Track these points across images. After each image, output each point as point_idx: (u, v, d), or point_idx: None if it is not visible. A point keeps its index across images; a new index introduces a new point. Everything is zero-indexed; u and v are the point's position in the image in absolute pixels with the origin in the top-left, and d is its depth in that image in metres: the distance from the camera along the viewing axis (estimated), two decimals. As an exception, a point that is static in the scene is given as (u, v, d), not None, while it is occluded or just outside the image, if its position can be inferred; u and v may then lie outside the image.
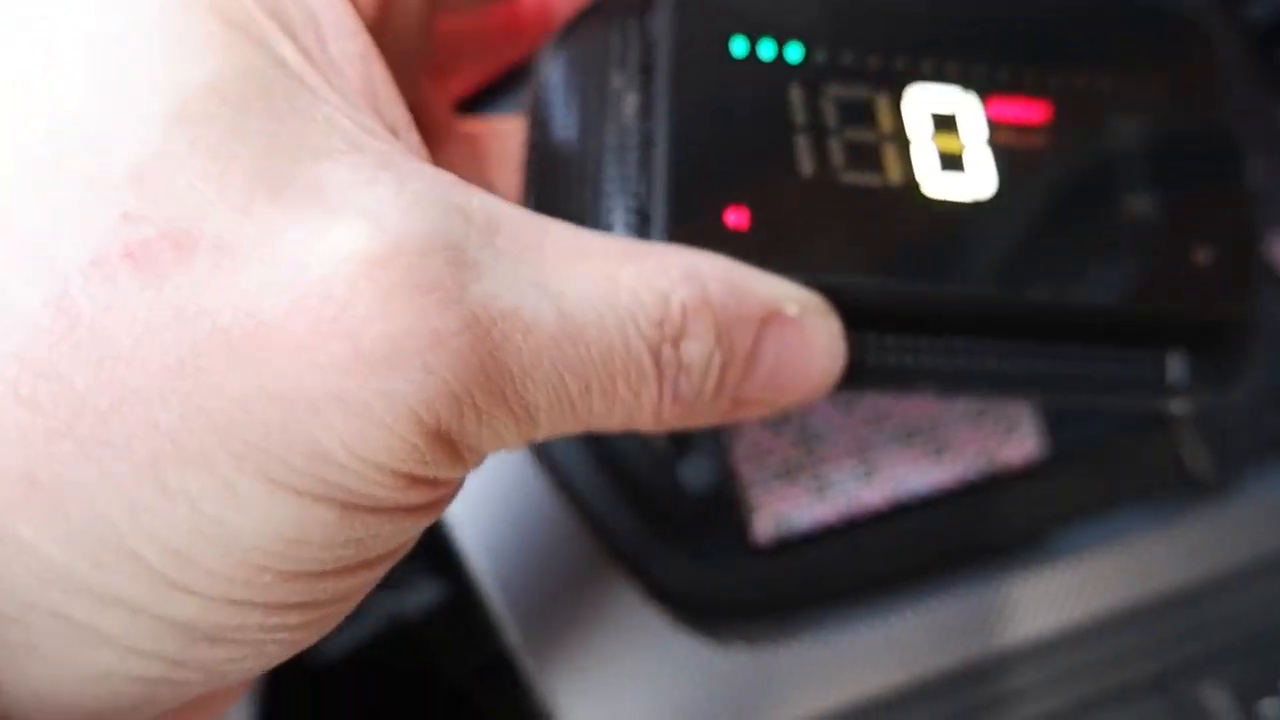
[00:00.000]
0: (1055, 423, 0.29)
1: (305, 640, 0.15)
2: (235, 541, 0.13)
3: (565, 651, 0.28)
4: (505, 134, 0.24)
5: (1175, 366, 0.22)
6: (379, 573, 0.16)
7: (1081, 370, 0.21)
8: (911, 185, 0.20)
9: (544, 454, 0.28)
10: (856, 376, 0.20)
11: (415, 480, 0.14)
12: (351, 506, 0.14)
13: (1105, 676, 0.29)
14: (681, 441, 0.28)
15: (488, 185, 0.24)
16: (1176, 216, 0.21)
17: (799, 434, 0.28)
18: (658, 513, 0.29)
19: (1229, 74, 0.22)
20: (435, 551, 0.29)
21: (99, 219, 0.13)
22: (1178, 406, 0.22)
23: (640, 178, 0.20)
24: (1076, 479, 0.29)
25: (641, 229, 0.19)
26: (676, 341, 0.17)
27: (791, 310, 0.18)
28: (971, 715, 0.29)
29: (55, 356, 0.13)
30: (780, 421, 0.28)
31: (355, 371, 0.13)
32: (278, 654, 0.15)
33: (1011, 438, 0.28)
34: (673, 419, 0.17)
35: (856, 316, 0.20)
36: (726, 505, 0.28)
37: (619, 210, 0.20)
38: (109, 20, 0.14)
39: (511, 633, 0.27)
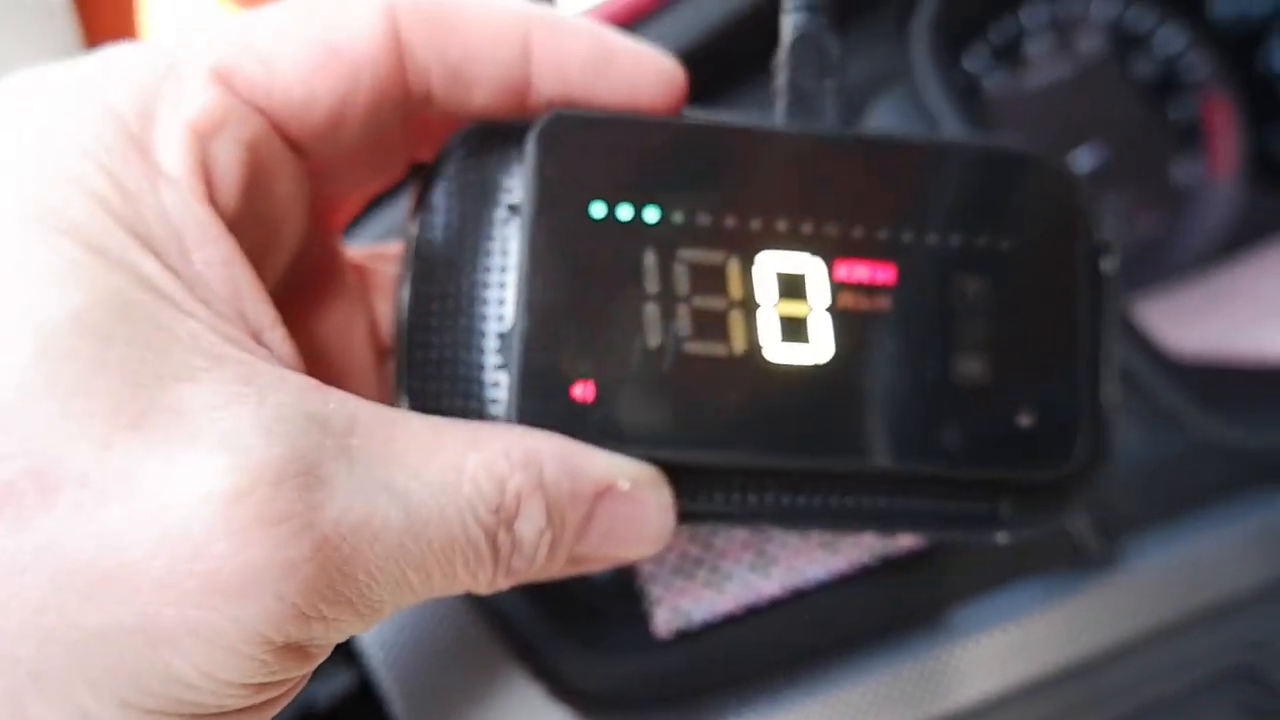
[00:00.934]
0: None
1: None
2: None
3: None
4: (390, 260, 0.25)
5: (1003, 509, 0.22)
6: None
7: (916, 511, 0.22)
8: (754, 352, 0.21)
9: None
10: (698, 519, 0.21)
11: (264, 687, 0.15)
12: (204, 717, 0.15)
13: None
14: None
15: (373, 316, 0.24)
16: (1005, 380, 0.21)
17: (696, 530, 0.28)
18: (559, 606, 0.29)
19: (1085, 214, 0.22)
20: (345, 642, 0.29)
21: None
22: (1003, 539, 0.23)
23: (505, 340, 0.21)
24: (967, 560, 0.30)
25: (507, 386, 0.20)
26: (510, 523, 0.18)
27: (623, 486, 0.20)
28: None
29: None
30: (677, 517, 0.28)
31: (210, 603, 0.14)
32: None
33: (904, 523, 0.29)
34: (508, 584, 0.19)
35: (696, 478, 0.21)
36: (627, 599, 0.28)
37: (492, 368, 0.21)
38: None
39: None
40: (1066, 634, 0.30)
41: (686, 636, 0.29)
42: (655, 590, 0.28)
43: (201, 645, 0.14)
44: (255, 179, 0.19)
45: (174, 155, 0.18)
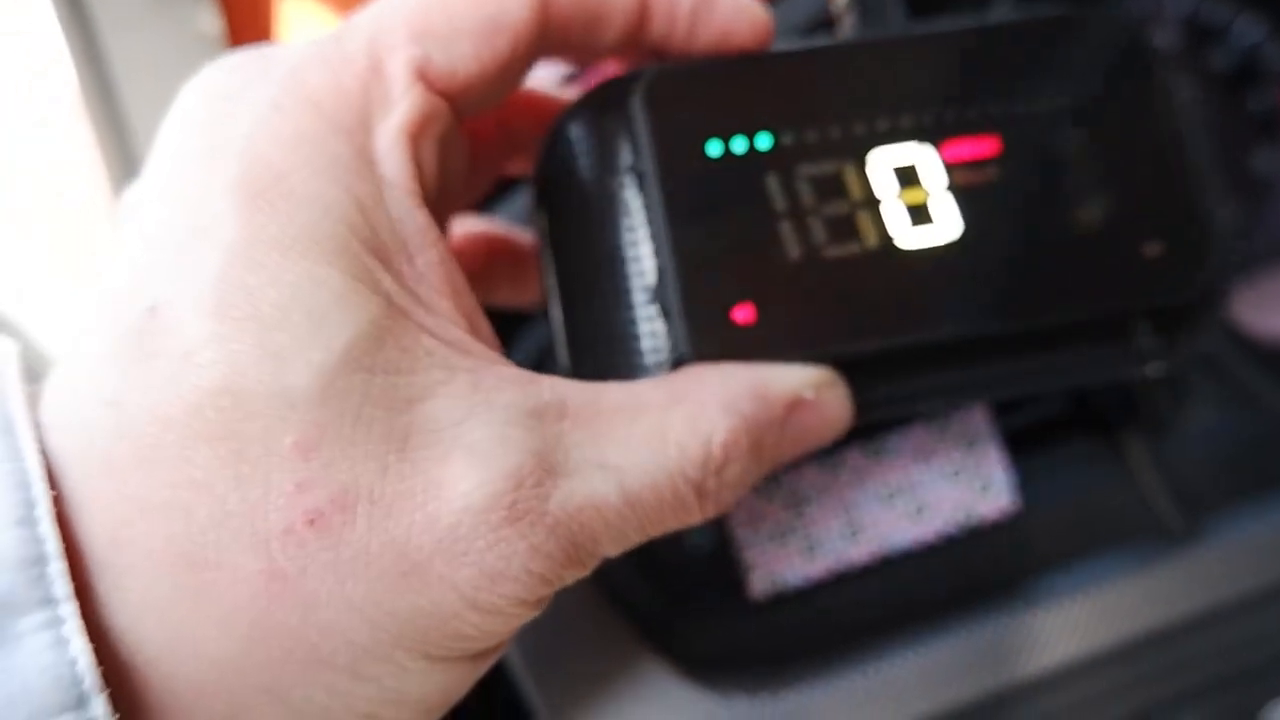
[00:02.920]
0: (1027, 479, 0.31)
1: None
2: (407, 698, 0.18)
3: (575, 702, 0.30)
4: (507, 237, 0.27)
5: (1144, 341, 0.24)
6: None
7: (1065, 362, 0.24)
8: (888, 243, 0.22)
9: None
10: (870, 409, 0.23)
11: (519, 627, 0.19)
12: (480, 655, 0.19)
13: (1088, 715, 0.31)
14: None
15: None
16: (1123, 217, 0.23)
17: (789, 499, 0.30)
18: (664, 575, 0.31)
19: (1162, 64, 0.23)
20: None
21: (278, 487, 0.17)
22: (1155, 370, 0.24)
23: (656, 287, 0.22)
24: (1049, 530, 0.31)
25: (669, 330, 0.22)
26: (718, 471, 0.20)
27: (809, 395, 0.21)
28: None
29: (274, 608, 0.17)
30: (771, 488, 0.30)
31: (481, 586, 0.18)
32: None
33: (986, 495, 0.30)
34: (717, 514, 0.21)
35: (860, 370, 0.22)
36: (726, 566, 0.30)
37: (646, 320, 0.22)
38: (260, 287, 0.17)
39: (527, 684, 0.30)
40: (1146, 603, 0.31)
41: (780, 600, 0.30)
42: (750, 556, 0.30)
43: (479, 615, 0.18)
44: (445, 165, 0.21)
45: (394, 162, 0.19)
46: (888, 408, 0.23)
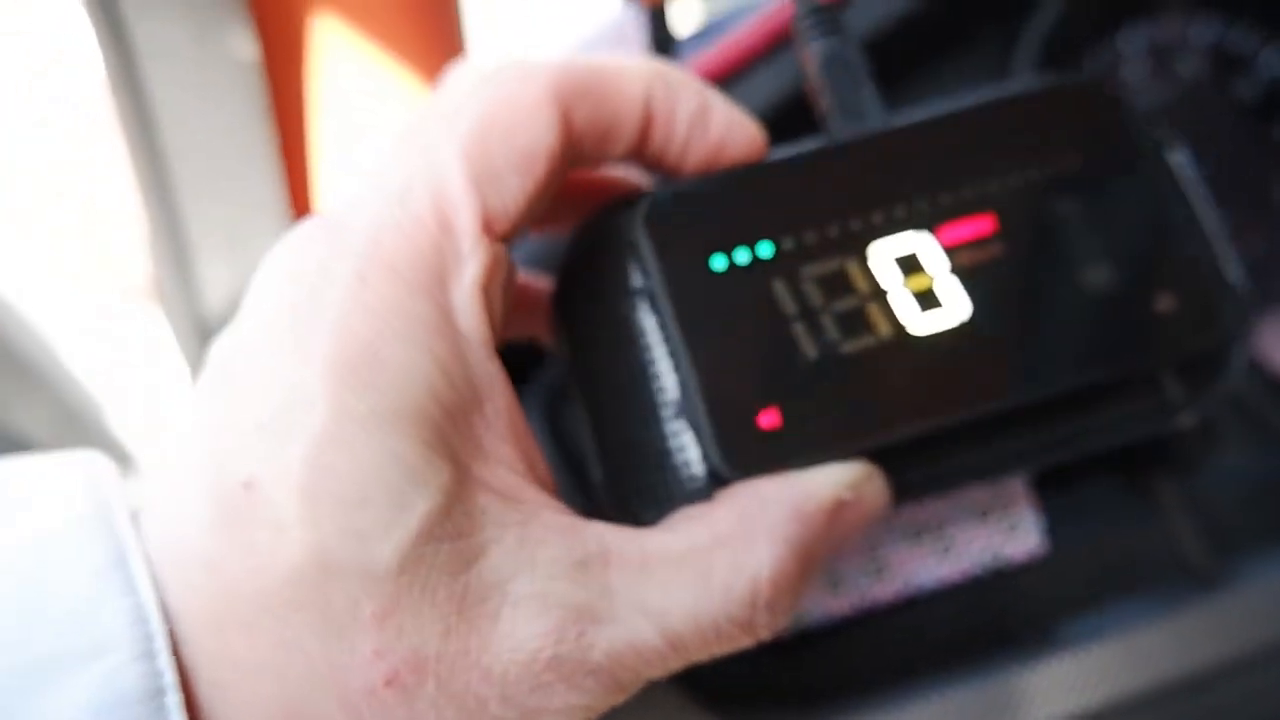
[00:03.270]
0: (1055, 520, 0.31)
1: None
2: None
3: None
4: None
5: (1173, 391, 0.24)
6: None
7: (1095, 425, 0.24)
8: (900, 332, 0.23)
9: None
10: (902, 497, 0.23)
11: None
12: None
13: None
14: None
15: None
16: (1131, 276, 0.23)
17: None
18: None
19: (1139, 121, 0.24)
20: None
21: (361, 652, 0.18)
22: (1186, 420, 0.25)
23: (680, 403, 0.22)
24: (1077, 572, 0.31)
25: (699, 444, 0.22)
26: (769, 606, 0.21)
27: (848, 496, 0.22)
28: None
29: None
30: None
31: (530, 718, 0.19)
32: None
33: (1014, 535, 0.30)
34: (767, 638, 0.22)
35: (894, 456, 0.22)
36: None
37: (674, 435, 0.23)
38: (346, 472, 0.18)
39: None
40: (1175, 648, 0.30)
41: (803, 637, 0.30)
42: (774, 592, 0.30)
43: None
44: (506, 300, 0.22)
45: (469, 317, 0.20)
46: (924, 488, 0.24)
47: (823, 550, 0.21)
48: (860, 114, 0.25)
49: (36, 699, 0.17)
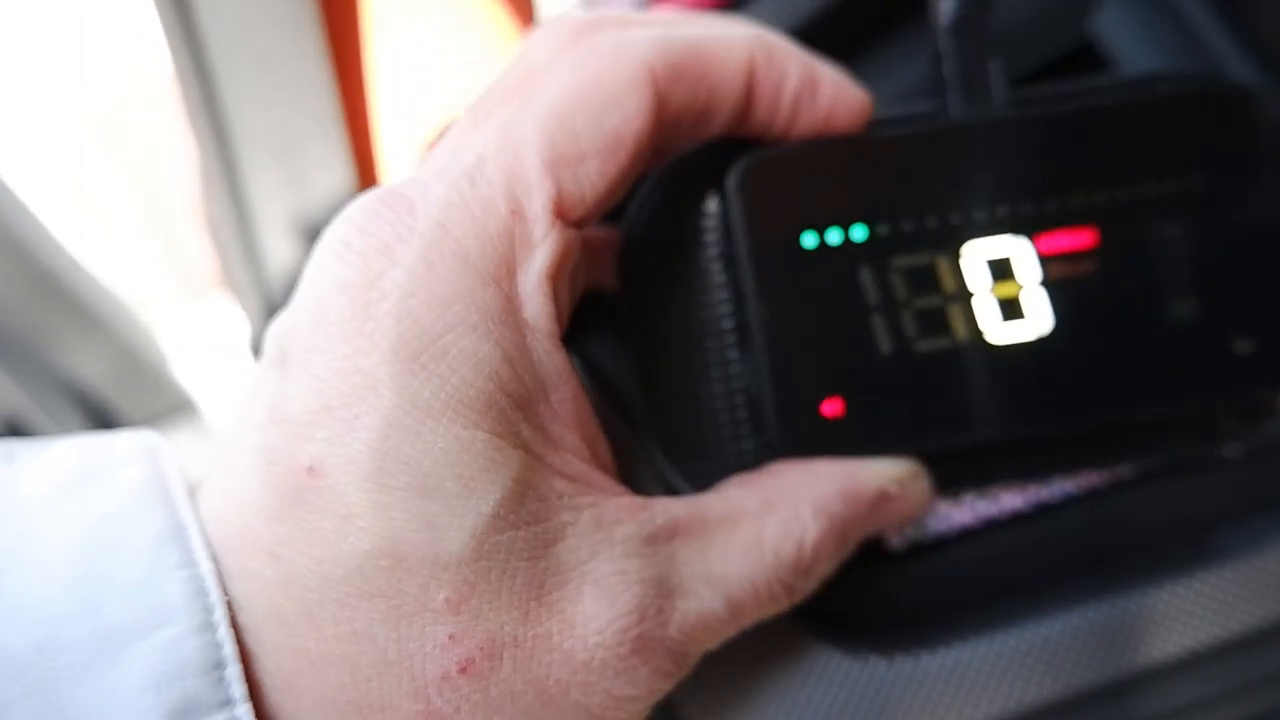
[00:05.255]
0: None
1: None
2: None
3: (700, 664, 0.27)
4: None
5: (1226, 425, 0.24)
6: None
7: (1142, 444, 0.24)
8: (977, 338, 0.22)
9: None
10: (944, 494, 0.23)
11: None
12: None
13: (1274, 691, 0.27)
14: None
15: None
16: (1217, 313, 0.22)
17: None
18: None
19: (1273, 137, 0.22)
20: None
21: (434, 639, 0.18)
22: (1232, 452, 0.25)
23: (746, 374, 0.22)
24: (1238, 477, 0.27)
25: (755, 419, 0.22)
26: (808, 571, 0.21)
27: (894, 490, 0.22)
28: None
29: None
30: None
31: (610, 706, 0.19)
32: None
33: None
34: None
35: (944, 461, 0.23)
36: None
37: (733, 408, 0.23)
38: (414, 457, 0.18)
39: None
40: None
41: (920, 552, 0.27)
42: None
43: None
44: (574, 288, 0.21)
45: (536, 306, 0.19)
46: (967, 487, 0.24)
47: (859, 533, 0.22)
48: (981, 89, 0.23)
49: (101, 670, 0.17)
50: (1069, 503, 0.27)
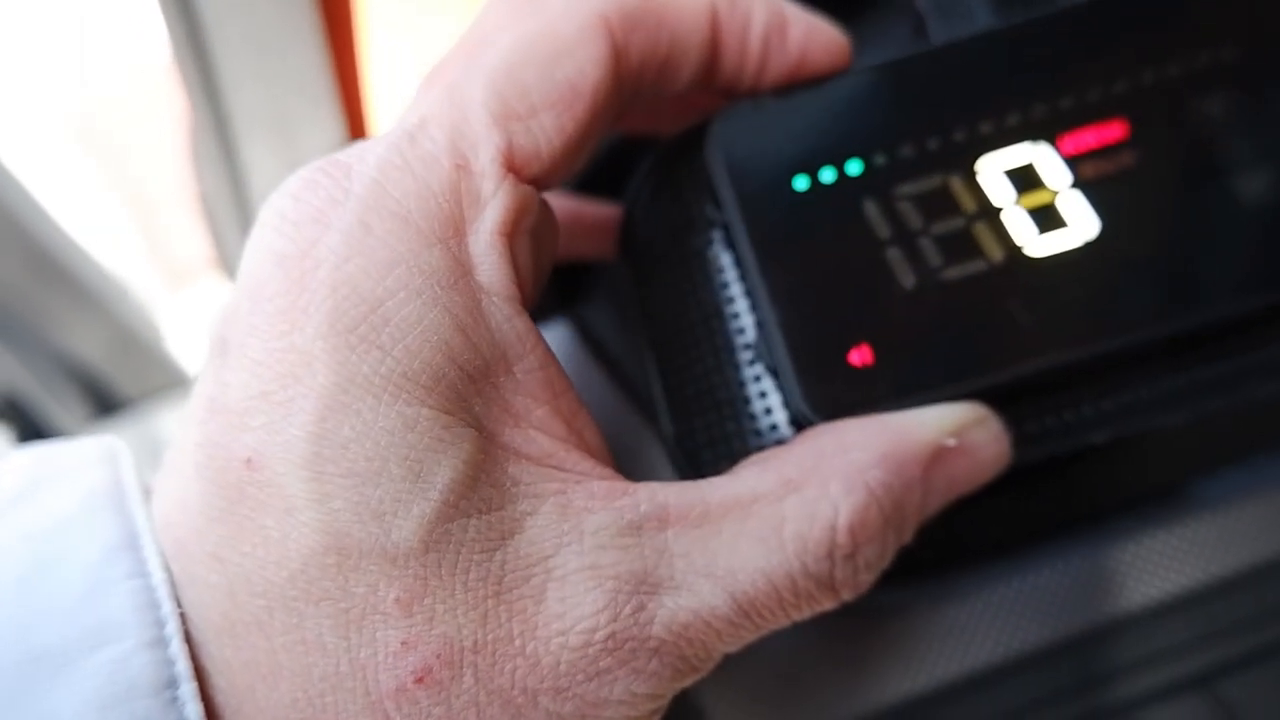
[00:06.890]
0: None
1: None
2: None
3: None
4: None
5: None
6: None
7: (1248, 366, 0.21)
8: (1015, 255, 0.20)
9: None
10: (1026, 451, 0.20)
11: None
12: None
13: (1252, 633, 0.28)
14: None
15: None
16: None
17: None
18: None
19: None
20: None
21: (385, 646, 0.16)
22: None
23: (759, 343, 0.20)
24: (1217, 427, 0.28)
25: (780, 389, 0.20)
26: (850, 557, 0.18)
27: (951, 442, 0.19)
28: (1112, 676, 0.28)
29: None
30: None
31: (588, 715, 0.17)
32: None
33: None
34: (857, 596, 0.19)
35: (1011, 402, 0.19)
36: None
37: (752, 381, 0.20)
38: (354, 440, 0.16)
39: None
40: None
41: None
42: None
43: None
44: (538, 253, 0.20)
45: (490, 267, 0.18)
46: (1053, 441, 0.20)
47: (919, 503, 0.19)
48: (966, 14, 0.22)
49: (40, 695, 0.15)
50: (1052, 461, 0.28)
